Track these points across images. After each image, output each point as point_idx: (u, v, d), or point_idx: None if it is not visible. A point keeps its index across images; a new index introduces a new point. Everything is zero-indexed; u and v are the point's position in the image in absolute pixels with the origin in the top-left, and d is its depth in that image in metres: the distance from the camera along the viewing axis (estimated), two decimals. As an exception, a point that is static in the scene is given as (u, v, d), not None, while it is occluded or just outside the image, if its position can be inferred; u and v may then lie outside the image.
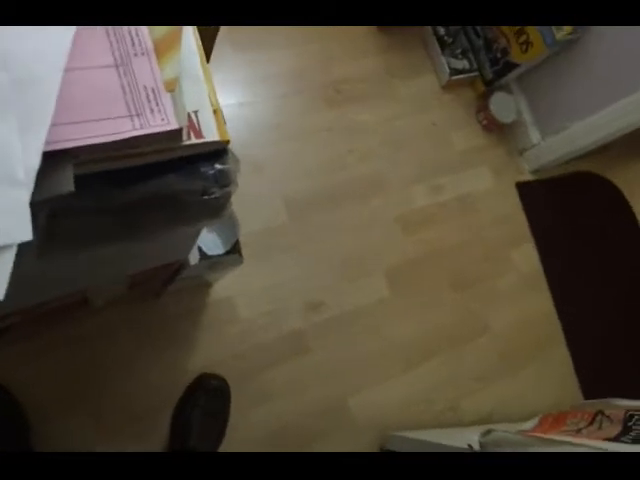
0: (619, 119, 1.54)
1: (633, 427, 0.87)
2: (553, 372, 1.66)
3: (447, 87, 1.74)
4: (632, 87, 1.48)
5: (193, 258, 0.97)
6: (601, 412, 0.94)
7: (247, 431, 1.33)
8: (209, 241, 1.15)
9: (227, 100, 1.52)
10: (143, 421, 1.26)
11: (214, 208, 0.58)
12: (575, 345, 1.69)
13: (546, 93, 1.69)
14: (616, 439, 0.86)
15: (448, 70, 1.70)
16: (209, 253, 1.12)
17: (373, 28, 1.70)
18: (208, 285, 1.38)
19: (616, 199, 1.85)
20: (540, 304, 1.71)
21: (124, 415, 1.25)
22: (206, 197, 0.55)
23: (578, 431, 0.93)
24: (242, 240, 1.21)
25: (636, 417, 0.89)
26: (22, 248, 0.38)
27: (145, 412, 1.27)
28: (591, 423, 0.94)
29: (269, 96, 1.56)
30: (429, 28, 1.71)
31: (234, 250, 1.14)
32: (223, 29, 1.54)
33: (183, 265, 0.98)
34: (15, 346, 1.15)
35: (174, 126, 0.44)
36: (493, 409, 1.55)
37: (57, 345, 1.21)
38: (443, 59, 1.70)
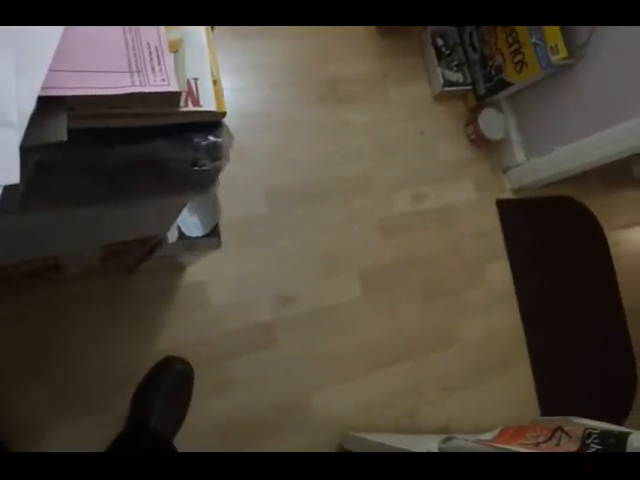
0: (604, 147, 1.57)
1: (591, 445, 0.89)
2: (515, 388, 1.68)
3: (439, 97, 1.75)
4: (619, 117, 1.50)
5: (171, 236, 0.96)
6: (560, 428, 0.96)
7: (206, 418, 1.32)
8: (189, 223, 1.14)
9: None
10: (102, 396, 1.25)
11: (202, 181, 0.57)
12: (538, 364, 1.72)
13: (535, 114, 1.71)
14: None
15: (442, 81, 1.71)
16: (187, 234, 1.10)
17: (374, 30, 1.71)
18: (182, 268, 1.36)
19: (591, 226, 1.89)
20: (509, 320, 1.73)
21: (83, 387, 1.24)
22: (196, 168, 0.55)
23: (537, 445, 0.95)
24: (221, 226, 1.20)
25: (594, 435, 0.91)
26: (6, 194, 0.37)
27: (105, 387, 1.26)
28: (550, 438, 0.95)
29: (263, 85, 1.55)
30: (428, 37, 1.72)
31: (213, 233, 1.12)
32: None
33: (160, 242, 0.97)
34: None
35: (174, 88, 0.44)
36: (451, 420, 1.57)
37: (24, 310, 1.19)
38: (438, 70, 1.71)
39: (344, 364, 1.49)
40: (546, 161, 1.71)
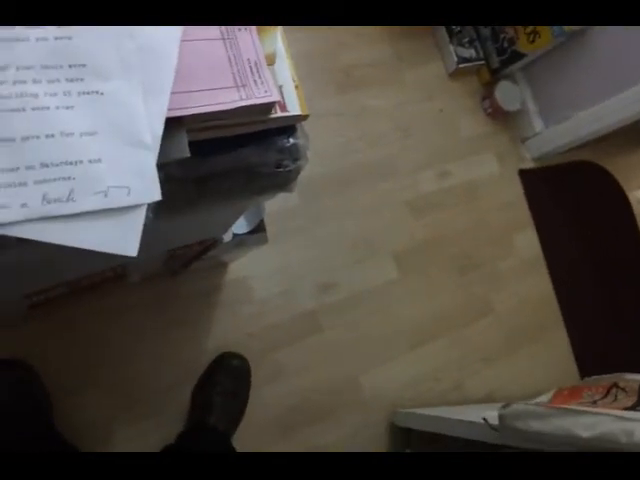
0: (621, 110, 1.59)
1: (648, 397, 0.92)
2: (552, 354, 1.72)
3: (454, 75, 1.77)
4: (634, 79, 1.52)
5: (227, 236, 0.99)
6: (616, 385, 0.99)
7: (262, 408, 1.35)
8: (235, 221, 1.17)
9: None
10: (158, 398, 1.28)
11: (285, 180, 0.60)
12: (573, 328, 1.75)
13: (550, 83, 1.73)
14: (633, 408, 0.91)
15: (455, 58, 1.73)
16: (234, 231, 1.14)
17: (384, 15, 1.72)
18: (224, 265, 1.40)
19: (613, 188, 1.91)
20: (541, 287, 1.76)
21: (140, 390, 1.27)
22: (280, 169, 0.58)
23: (594, 403, 0.98)
24: (263, 221, 1.23)
25: (651, 388, 0.94)
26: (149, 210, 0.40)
27: (161, 388, 1.28)
28: (606, 395, 0.99)
29: (282, 79, 1.57)
30: (438, 16, 1.74)
31: (259, 229, 1.16)
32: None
33: (215, 243, 1.00)
34: (47, 319, 1.16)
35: (276, 98, 0.47)
36: (496, 389, 1.61)
37: (77, 317, 1.22)
38: (451, 47, 1.73)
39: (388, 344, 1.53)
40: (564, 128, 1.73)
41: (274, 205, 1.46)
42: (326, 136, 1.59)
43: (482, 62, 1.77)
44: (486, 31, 1.76)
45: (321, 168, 1.55)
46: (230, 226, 0.90)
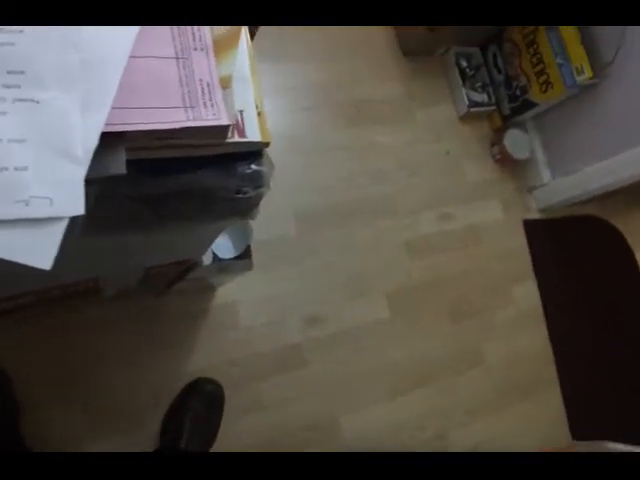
0: (631, 167, 1.56)
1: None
2: (543, 411, 1.66)
3: (464, 118, 1.76)
4: (644, 138, 1.51)
5: (206, 259, 0.98)
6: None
7: (235, 438, 1.32)
8: (221, 245, 1.16)
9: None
10: (134, 417, 1.26)
11: (245, 207, 0.59)
12: (567, 387, 1.70)
13: (561, 134, 1.72)
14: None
15: (467, 102, 1.72)
16: (220, 256, 1.13)
17: (398, 52, 1.73)
18: (212, 289, 1.38)
19: (619, 245, 1.87)
20: (536, 342, 1.72)
21: (115, 408, 1.25)
22: (240, 196, 0.57)
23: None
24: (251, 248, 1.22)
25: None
26: (71, 223, 0.39)
27: (136, 408, 1.26)
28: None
29: (290, 108, 1.58)
30: (452, 58, 1.74)
31: (245, 255, 1.15)
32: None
33: (195, 265, 0.99)
34: (21, 328, 1.15)
35: (224, 122, 0.46)
36: (481, 442, 1.55)
37: (58, 330, 1.21)
38: (463, 90, 1.73)
39: (373, 385, 1.49)
40: (572, 181, 1.71)
41: (269, 233, 1.47)
42: (330, 168, 1.58)
43: (493, 108, 1.76)
44: (500, 77, 1.75)
45: (321, 200, 1.54)
46: (205, 249, 0.88)
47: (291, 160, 1.54)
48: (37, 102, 0.39)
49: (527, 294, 1.73)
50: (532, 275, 1.75)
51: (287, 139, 1.56)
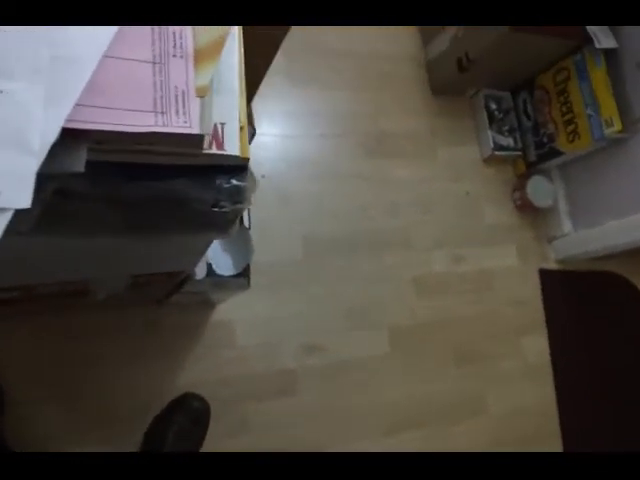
0: (655, 226, 1.52)
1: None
2: (542, 469, 1.59)
3: (488, 161, 1.74)
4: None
5: (200, 273, 0.97)
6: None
7: (217, 460, 1.29)
8: (222, 261, 1.15)
9: (272, 130, 1.55)
10: (116, 426, 1.24)
11: (222, 222, 0.58)
12: (570, 448, 1.62)
13: (586, 185, 1.68)
14: None
15: (492, 144, 1.70)
16: (218, 272, 1.12)
17: (427, 89, 1.73)
18: (212, 305, 1.37)
19: (637, 305, 1.81)
20: (542, 397, 1.65)
21: (98, 416, 1.23)
22: (216, 209, 0.55)
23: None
24: (255, 268, 1.20)
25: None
26: (21, 217, 0.38)
27: (120, 418, 1.25)
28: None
29: (312, 133, 1.58)
30: (482, 100, 1.73)
31: (243, 274, 1.13)
32: (282, 61, 1.59)
33: (188, 278, 0.98)
34: (9, 323, 1.15)
35: (195, 131, 0.45)
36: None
37: (51, 331, 1.21)
38: (489, 133, 1.71)
39: (364, 422, 1.45)
40: (594, 234, 1.66)
41: (275, 255, 1.46)
42: (345, 197, 1.57)
43: (519, 153, 1.74)
44: (528, 123, 1.73)
45: (332, 227, 1.53)
46: (193, 261, 0.88)
47: (307, 185, 1.54)
48: (1, 91, 0.39)
49: (536, 346, 1.68)
50: (543, 327, 1.70)
51: (306, 164, 1.56)
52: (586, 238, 1.69)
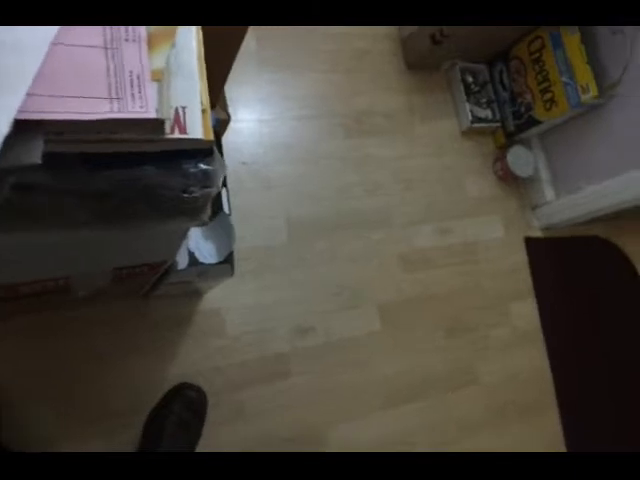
0: (635, 187, 1.52)
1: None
2: (540, 436, 1.61)
3: (467, 134, 1.74)
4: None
5: (181, 262, 0.97)
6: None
7: (215, 448, 1.30)
8: (204, 249, 1.15)
9: (248, 116, 1.54)
10: (113, 420, 1.25)
11: (193, 208, 0.58)
12: (566, 410, 1.65)
13: (565, 152, 1.68)
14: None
15: (470, 117, 1.70)
16: (201, 260, 1.11)
17: (402, 65, 1.72)
18: (199, 294, 1.37)
19: (623, 267, 1.83)
20: (534, 362, 1.67)
21: (95, 410, 1.24)
22: (185, 195, 0.55)
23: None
24: (241, 255, 1.20)
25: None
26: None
27: (118, 411, 1.25)
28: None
29: (289, 116, 1.58)
30: (458, 74, 1.72)
31: (226, 261, 1.13)
32: (254, 47, 1.58)
33: (171, 268, 0.98)
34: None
35: (152, 115, 0.45)
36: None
37: (38, 330, 1.21)
38: (467, 106, 1.71)
39: (361, 399, 1.46)
40: (576, 200, 1.67)
41: (260, 240, 1.46)
42: (326, 178, 1.57)
43: (497, 124, 1.74)
44: (505, 94, 1.73)
45: (315, 209, 1.53)
46: (172, 251, 0.87)
47: (287, 168, 1.54)
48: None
49: (525, 313, 1.69)
50: (531, 294, 1.71)
51: (285, 147, 1.55)
52: (569, 204, 1.70)
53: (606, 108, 1.55)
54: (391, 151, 1.65)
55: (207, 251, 1.16)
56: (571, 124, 1.63)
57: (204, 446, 1.27)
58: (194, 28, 0.54)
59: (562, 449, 1.63)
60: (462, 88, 1.72)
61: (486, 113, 1.73)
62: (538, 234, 1.77)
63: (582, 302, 1.76)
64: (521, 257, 1.74)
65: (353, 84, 1.67)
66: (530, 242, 1.75)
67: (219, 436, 1.31)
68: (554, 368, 1.68)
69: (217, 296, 1.38)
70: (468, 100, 1.72)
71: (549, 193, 1.74)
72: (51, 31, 0.41)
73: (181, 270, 1.00)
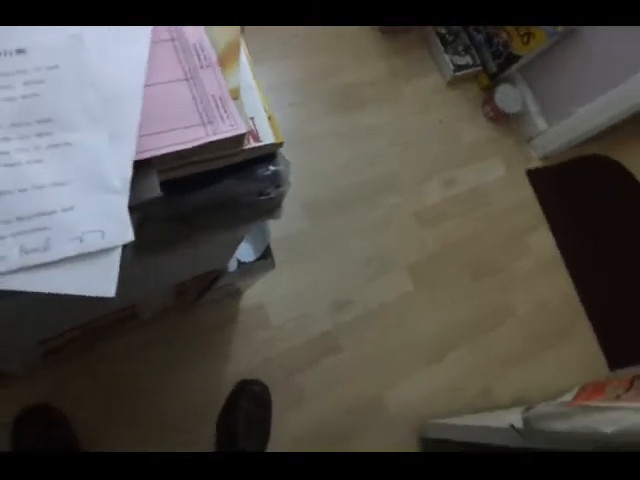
0: (621, 102, 1.58)
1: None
2: (580, 351, 1.69)
3: (452, 83, 1.78)
4: (630, 70, 1.51)
5: (232, 265, 1.00)
6: (637, 377, 0.98)
7: (285, 434, 1.35)
8: (242, 249, 1.18)
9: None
10: (184, 431, 1.28)
11: (269, 207, 0.62)
12: (597, 323, 1.72)
13: (549, 81, 1.73)
14: (656, 399, 0.89)
15: (452, 67, 1.74)
16: (242, 260, 1.15)
17: (377, 33, 1.75)
18: (239, 293, 1.41)
19: (625, 179, 1.89)
20: (559, 286, 1.74)
21: (166, 426, 1.27)
22: (263, 197, 0.59)
23: (617, 397, 0.96)
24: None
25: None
26: (123, 251, 0.42)
27: (186, 423, 1.28)
28: (629, 389, 0.97)
29: (279, 105, 1.60)
30: (430, 28, 1.75)
31: (265, 255, 1.17)
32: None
33: (222, 273, 1.01)
34: (70, 363, 1.18)
35: (242, 130, 0.48)
36: (524, 391, 1.58)
37: (105, 361, 1.24)
38: (446, 57, 1.74)
39: (409, 357, 1.52)
40: (568, 124, 1.72)
41: (283, 230, 1.49)
42: (328, 157, 1.60)
43: (479, 68, 1.78)
44: (480, 37, 1.76)
45: (325, 190, 1.57)
46: (232, 255, 0.91)
47: (289, 155, 1.54)
48: (69, 144, 0.42)
49: (543, 242, 1.76)
50: (544, 223, 1.77)
51: (283, 135, 1.57)
52: (561, 130, 1.75)
53: (582, 32, 1.59)
54: (383, 117, 1.69)
55: (244, 250, 1.20)
56: (550, 53, 1.67)
57: (274, 435, 1.32)
58: (242, 44, 0.57)
59: (600, 356, 1.70)
60: (437, 41, 1.76)
61: (466, 60, 1.76)
62: (538, 164, 1.82)
63: (591, 218, 1.82)
64: (527, 190, 1.79)
65: (334, 61, 1.70)
66: (532, 174, 1.80)
67: (286, 423, 1.36)
68: (578, 286, 1.75)
69: (255, 292, 1.42)
70: (446, 51, 1.75)
71: (541, 123, 1.79)
72: (141, 76, 0.44)
73: (230, 272, 1.04)
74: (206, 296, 1.23)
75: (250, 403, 1.29)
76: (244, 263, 1.12)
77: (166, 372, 1.31)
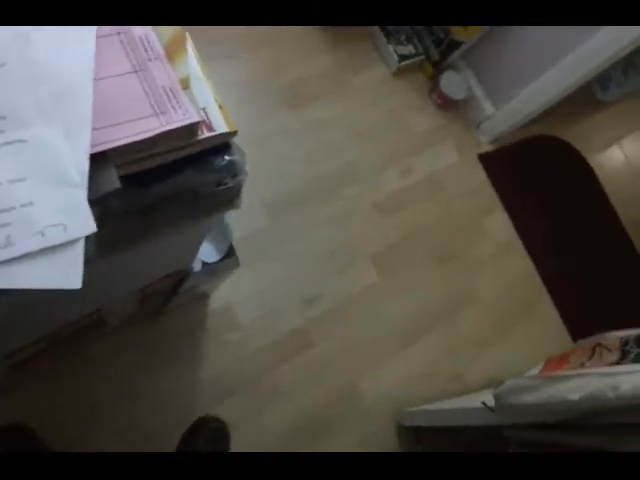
0: (560, 81, 1.63)
1: (630, 350, 0.94)
2: (544, 326, 1.74)
3: (397, 74, 1.81)
4: (566, 50, 1.57)
5: (196, 266, 1.00)
6: (599, 344, 1.01)
7: (263, 433, 1.35)
8: (205, 250, 1.18)
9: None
10: (158, 438, 1.26)
11: (228, 197, 0.62)
12: (559, 298, 1.78)
13: (491, 66, 1.78)
14: (617, 363, 0.93)
15: (396, 57, 1.77)
16: (206, 261, 1.15)
17: (320, 28, 1.76)
18: (205, 297, 1.40)
19: (571, 155, 1.96)
20: (520, 265, 1.79)
21: (140, 435, 1.25)
22: (221, 187, 0.60)
23: (581, 365, 1.00)
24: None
25: (630, 341, 0.96)
26: (86, 244, 0.42)
27: (159, 430, 1.27)
28: (592, 356, 1.00)
29: (227, 105, 1.59)
30: (372, 21, 1.78)
31: (229, 254, 1.17)
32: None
33: (187, 274, 1.01)
34: (37, 378, 1.15)
35: (195, 119, 0.49)
36: (495, 372, 1.61)
37: (72, 373, 1.21)
38: (390, 47, 1.77)
39: (380, 347, 1.54)
40: (513, 106, 1.78)
41: (244, 230, 1.49)
42: (283, 154, 1.61)
43: (423, 56, 1.81)
44: (420, 26, 1.80)
45: (284, 186, 1.58)
46: (195, 254, 0.91)
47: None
48: (24, 141, 0.42)
49: (499, 224, 1.80)
50: (499, 205, 1.82)
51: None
52: (507, 113, 1.80)
53: (516, 15, 1.64)
54: (333, 111, 1.71)
55: (207, 251, 1.20)
56: (490, 38, 1.72)
57: (250, 433, 1.32)
58: (187, 33, 0.57)
59: (564, 329, 1.76)
60: (380, 32, 1.78)
61: (409, 49, 1.80)
62: (489, 148, 1.87)
63: (544, 196, 1.88)
64: (480, 174, 1.84)
65: (278, 58, 1.71)
66: (484, 157, 1.85)
67: (263, 422, 1.36)
68: (537, 264, 1.80)
69: (221, 294, 1.42)
70: (389, 42, 1.78)
71: (488, 107, 1.83)
72: (89, 70, 0.44)
73: (195, 273, 1.04)
74: (173, 301, 1.23)
75: (206, 440, 1.25)
76: (209, 263, 1.12)
77: (137, 378, 1.29)
